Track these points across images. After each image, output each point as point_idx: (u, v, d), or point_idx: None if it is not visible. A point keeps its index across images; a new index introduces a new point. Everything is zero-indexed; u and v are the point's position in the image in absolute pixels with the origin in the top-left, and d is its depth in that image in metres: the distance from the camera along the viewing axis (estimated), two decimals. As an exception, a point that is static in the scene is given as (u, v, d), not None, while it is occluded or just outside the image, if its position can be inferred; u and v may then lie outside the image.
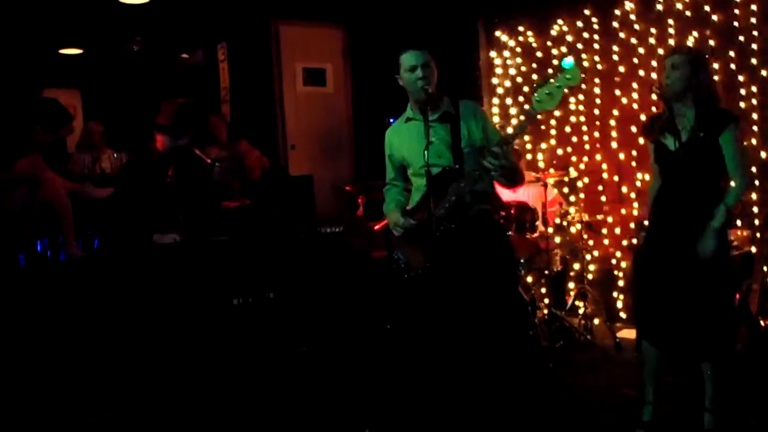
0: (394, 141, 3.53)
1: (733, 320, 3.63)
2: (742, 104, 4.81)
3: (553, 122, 5.95)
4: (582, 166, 5.74)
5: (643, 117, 5.26)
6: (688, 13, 5.05)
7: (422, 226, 3.25)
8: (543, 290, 5.51)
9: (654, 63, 5.22)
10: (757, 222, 4.75)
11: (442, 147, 3.27)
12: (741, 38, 4.81)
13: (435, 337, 3.35)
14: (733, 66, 4.85)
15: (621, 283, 5.54)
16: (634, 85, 5.39)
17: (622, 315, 5.50)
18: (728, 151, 3.19)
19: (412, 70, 3.26)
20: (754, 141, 4.78)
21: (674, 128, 3.18)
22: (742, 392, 3.75)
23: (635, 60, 5.36)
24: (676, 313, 3.26)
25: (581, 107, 5.75)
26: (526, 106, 3.78)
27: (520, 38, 6.18)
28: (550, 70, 5.88)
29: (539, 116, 3.38)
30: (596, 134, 5.69)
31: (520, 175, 3.38)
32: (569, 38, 5.82)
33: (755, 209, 4.77)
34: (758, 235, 4.69)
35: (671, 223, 3.31)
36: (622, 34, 5.45)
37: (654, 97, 3.41)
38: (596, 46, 5.65)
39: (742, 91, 4.81)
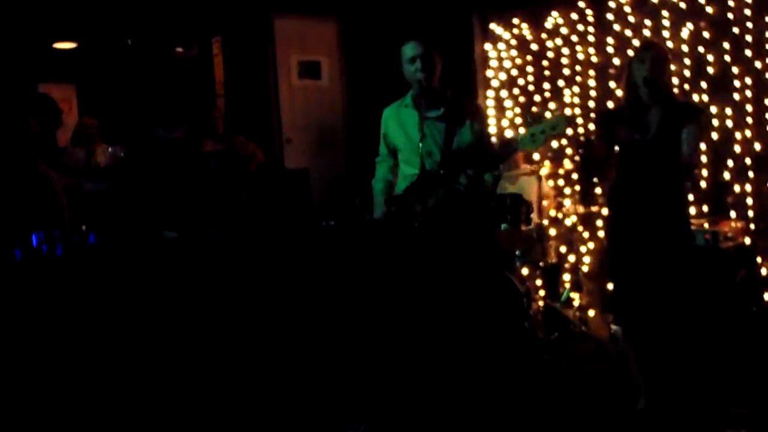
0: (390, 123, 3.54)
1: (715, 305, 3.71)
2: (736, 96, 4.82)
3: (548, 115, 5.96)
4: (577, 159, 5.75)
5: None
6: (682, 5, 5.05)
7: (401, 215, 3.36)
8: (538, 282, 5.52)
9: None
10: (751, 213, 4.76)
11: (433, 147, 3.30)
12: (735, 30, 4.81)
13: (420, 328, 3.44)
14: (727, 58, 4.85)
15: (616, 274, 5.56)
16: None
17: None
18: (687, 138, 3.30)
19: (411, 62, 3.26)
20: (748, 133, 4.79)
21: (643, 120, 3.33)
22: (734, 380, 3.78)
23: (630, 52, 5.35)
24: (651, 301, 3.34)
25: (576, 100, 5.75)
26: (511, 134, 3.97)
27: (515, 31, 6.17)
28: (545, 62, 5.92)
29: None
30: (591, 127, 5.69)
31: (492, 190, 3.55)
32: (564, 31, 5.81)
33: (749, 201, 4.78)
34: (752, 226, 4.71)
35: (634, 213, 3.41)
36: (616, 27, 5.45)
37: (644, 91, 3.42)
38: (591, 38, 5.65)
39: (737, 83, 4.82)
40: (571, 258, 5.64)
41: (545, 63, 5.95)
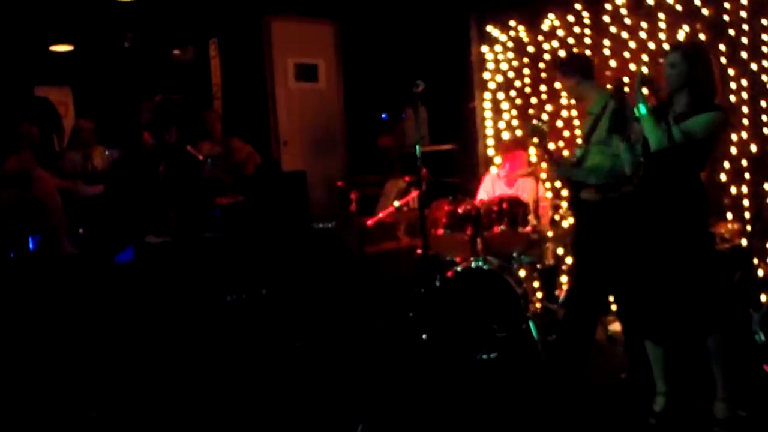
0: None
1: (729, 298, 3.71)
2: (732, 98, 4.82)
3: (545, 117, 5.96)
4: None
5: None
6: (678, 7, 5.06)
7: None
8: (536, 284, 5.52)
9: (645, 57, 5.23)
10: (747, 215, 4.77)
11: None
12: (731, 32, 4.82)
13: None
14: (723, 60, 4.86)
15: (613, 276, 5.55)
16: (626, 80, 5.39)
17: (614, 308, 5.52)
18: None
19: None
20: (744, 134, 4.80)
21: (666, 120, 3.32)
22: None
23: (626, 54, 5.37)
24: (671, 301, 3.35)
25: (573, 101, 5.75)
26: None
27: (512, 33, 6.18)
28: (541, 64, 5.93)
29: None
30: (588, 128, 5.70)
31: (592, 177, 4.09)
32: (560, 33, 5.82)
33: (746, 202, 4.78)
34: (749, 228, 4.71)
35: (653, 215, 3.43)
36: (612, 29, 5.46)
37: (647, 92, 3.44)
38: (587, 40, 5.65)
39: (732, 85, 4.82)
40: (569, 260, 5.64)
41: (542, 65, 5.96)
